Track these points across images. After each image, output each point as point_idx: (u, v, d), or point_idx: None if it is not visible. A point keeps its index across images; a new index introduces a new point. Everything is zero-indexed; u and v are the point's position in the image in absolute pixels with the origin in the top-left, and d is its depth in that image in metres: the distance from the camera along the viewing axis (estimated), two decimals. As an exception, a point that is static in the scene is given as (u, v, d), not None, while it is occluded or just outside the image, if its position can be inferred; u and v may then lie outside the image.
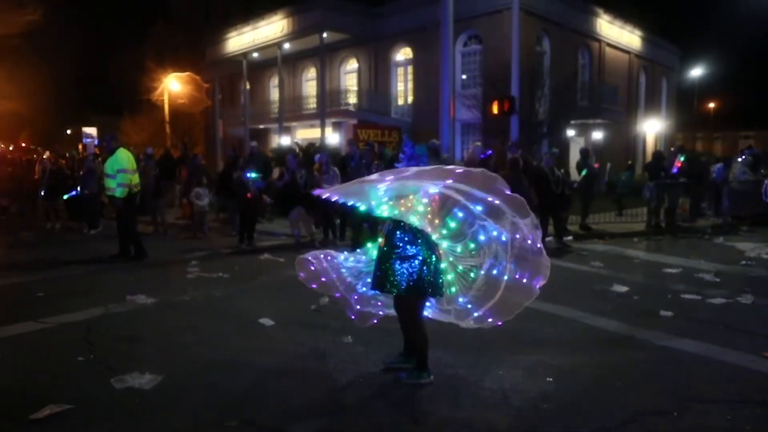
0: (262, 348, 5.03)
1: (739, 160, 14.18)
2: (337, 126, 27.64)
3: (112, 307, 6.23)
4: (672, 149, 16.11)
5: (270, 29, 28.60)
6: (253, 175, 10.44)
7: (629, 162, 17.95)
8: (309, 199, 10.40)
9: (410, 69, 27.11)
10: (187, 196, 13.46)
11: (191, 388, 4.17)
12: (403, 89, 28.07)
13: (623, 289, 7.14)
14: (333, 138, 26.52)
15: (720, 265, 8.77)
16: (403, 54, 27.66)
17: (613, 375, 4.37)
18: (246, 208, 10.48)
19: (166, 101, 31.90)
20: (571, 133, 24.65)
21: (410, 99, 27.13)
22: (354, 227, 10.09)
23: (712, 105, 47.75)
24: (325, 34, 25.96)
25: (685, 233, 12.39)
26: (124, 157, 9.07)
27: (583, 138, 26.07)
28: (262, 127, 31.71)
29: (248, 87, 32.16)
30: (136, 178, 9.29)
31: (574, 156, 18.16)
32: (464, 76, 24.91)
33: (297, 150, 15.75)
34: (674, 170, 12.69)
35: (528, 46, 20.90)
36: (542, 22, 23.81)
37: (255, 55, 30.32)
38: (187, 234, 12.12)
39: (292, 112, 29.51)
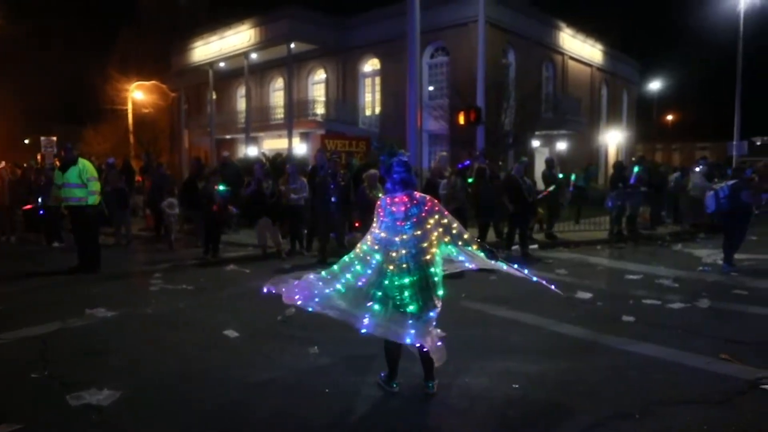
0: (227, 360, 4.93)
1: (697, 169, 14.63)
2: (304, 136, 27.55)
3: (71, 321, 6.02)
4: (633, 159, 16.55)
5: (237, 39, 28.41)
6: (221, 187, 10.29)
7: (587, 164, 18.35)
8: (276, 209, 10.33)
9: (378, 80, 27.25)
10: (151, 207, 13.20)
11: (152, 402, 4.05)
12: (370, 100, 28.18)
13: (587, 295, 7.27)
14: (300, 148, 26.40)
15: (679, 271, 9.02)
16: (371, 65, 27.80)
17: (578, 380, 4.42)
18: (211, 219, 10.31)
19: (129, 110, 31.34)
20: (536, 143, 25.11)
21: (378, 109, 27.24)
22: (321, 238, 10.02)
23: (670, 117, 49.39)
24: (292, 45, 25.92)
25: (645, 241, 12.72)
26: (90, 166, 9.04)
27: (548, 148, 26.59)
28: (228, 137, 31.38)
29: (215, 96, 31.81)
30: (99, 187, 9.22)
31: (539, 166, 18.49)
32: (431, 87, 25.16)
33: (264, 160, 15.60)
34: (632, 180, 13.02)
35: (494, 58, 21.24)
36: (507, 35, 24.26)
37: (222, 64, 30.03)
38: (158, 244, 11.90)
39: (259, 122, 29.29)
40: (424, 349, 4.00)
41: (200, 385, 4.33)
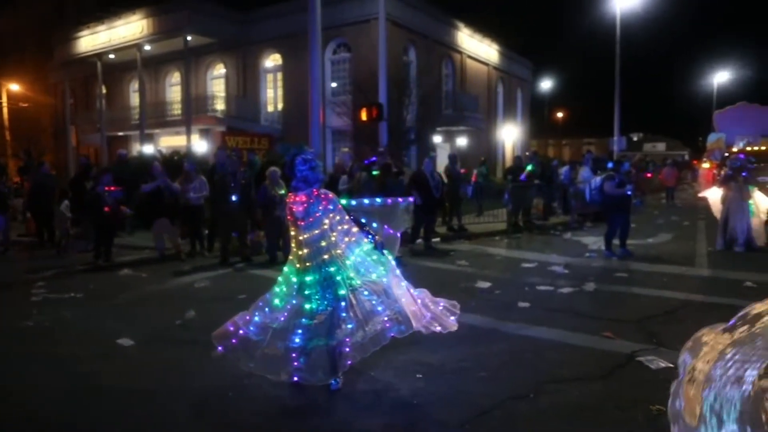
0: (122, 371, 4.64)
1: (585, 165, 15.68)
2: (204, 133, 26.52)
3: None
4: (527, 154, 17.50)
5: (128, 29, 26.75)
6: (111, 188, 9.63)
7: (482, 159, 19.18)
8: (174, 209, 9.88)
9: (280, 75, 26.78)
10: (31, 210, 12.15)
11: (32, 425, 3.72)
12: (272, 96, 27.65)
13: (486, 284, 7.59)
14: (200, 146, 25.40)
15: (569, 258, 9.66)
16: (273, 60, 27.27)
17: (478, 366, 4.62)
18: (102, 221, 9.65)
19: (4, 104, 28.59)
20: (437, 139, 25.83)
21: (280, 106, 26.79)
22: (222, 238, 9.71)
23: (560, 114, 52.71)
24: (189, 37, 24.82)
25: (539, 231, 13.51)
26: None
27: (449, 144, 27.46)
28: (121, 134, 29.53)
29: (104, 91, 29.78)
30: None
31: (441, 161, 19.05)
32: (334, 84, 25.12)
33: (160, 158, 14.86)
34: (522, 177, 13.76)
35: (395, 56, 21.58)
36: (408, 33, 24.73)
37: (111, 56, 28.14)
38: (42, 250, 10.99)
39: (155, 118, 27.79)
40: (294, 379, 4.12)
41: (91, 402, 4.05)
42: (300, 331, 4.04)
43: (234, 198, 9.27)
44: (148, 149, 24.04)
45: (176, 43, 25.30)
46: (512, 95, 36.52)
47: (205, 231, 10.53)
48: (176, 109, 28.02)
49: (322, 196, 4.09)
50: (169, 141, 27.32)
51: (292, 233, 4.18)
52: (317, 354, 4.07)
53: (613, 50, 25.45)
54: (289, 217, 4.18)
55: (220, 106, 27.08)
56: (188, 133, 24.50)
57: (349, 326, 4.05)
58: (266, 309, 4.13)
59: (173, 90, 30.23)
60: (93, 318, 6.31)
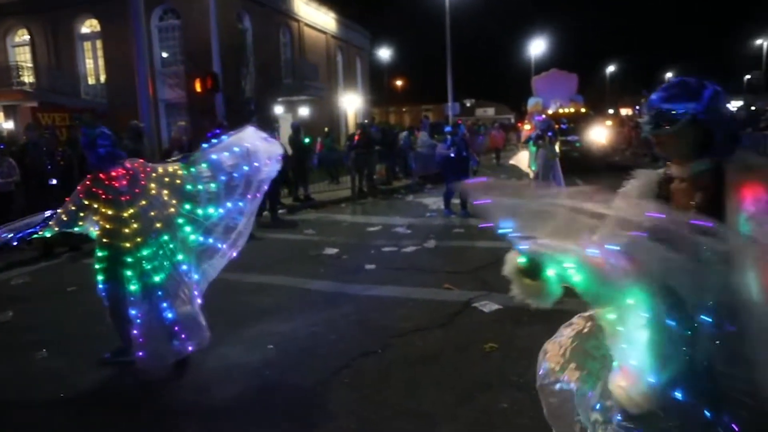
0: None
1: (423, 130, 16.51)
2: (9, 110, 23.21)
3: None
4: (366, 122, 17.93)
5: None
6: None
7: (326, 129, 19.31)
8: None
9: (99, 44, 24.17)
10: None
11: None
12: (93, 66, 24.93)
13: (334, 251, 7.75)
14: (7, 125, 22.23)
15: (411, 218, 10.18)
16: (89, 26, 24.47)
17: (328, 330, 4.74)
18: None
19: None
20: (279, 110, 25.34)
21: (103, 77, 24.29)
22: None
23: (399, 83, 54.55)
24: (-23, -3, 21.30)
25: (383, 195, 14.01)
26: None
27: (291, 114, 27.09)
28: None
29: None
30: None
31: (285, 132, 18.78)
32: (165, 54, 23.31)
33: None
34: (353, 144, 14.08)
35: (229, 23, 20.58)
36: (241, 0, 23.66)
37: None
38: None
39: (-58, 94, 23.63)
40: (190, 349, 4.01)
41: None
42: (165, 305, 3.89)
43: (53, 181, 8.31)
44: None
45: (-40, 4, 21.58)
46: (352, 64, 36.88)
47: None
48: (-30, 83, 24.06)
49: (137, 165, 4.04)
50: (-35, 120, 23.49)
51: (109, 213, 3.89)
52: (187, 321, 3.98)
53: (445, 21, 26.74)
54: (104, 196, 3.88)
55: (28, 78, 23.80)
56: (-11, 110, 21.27)
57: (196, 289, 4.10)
58: (131, 298, 3.93)
59: (-36, 60, 25.88)
60: None
